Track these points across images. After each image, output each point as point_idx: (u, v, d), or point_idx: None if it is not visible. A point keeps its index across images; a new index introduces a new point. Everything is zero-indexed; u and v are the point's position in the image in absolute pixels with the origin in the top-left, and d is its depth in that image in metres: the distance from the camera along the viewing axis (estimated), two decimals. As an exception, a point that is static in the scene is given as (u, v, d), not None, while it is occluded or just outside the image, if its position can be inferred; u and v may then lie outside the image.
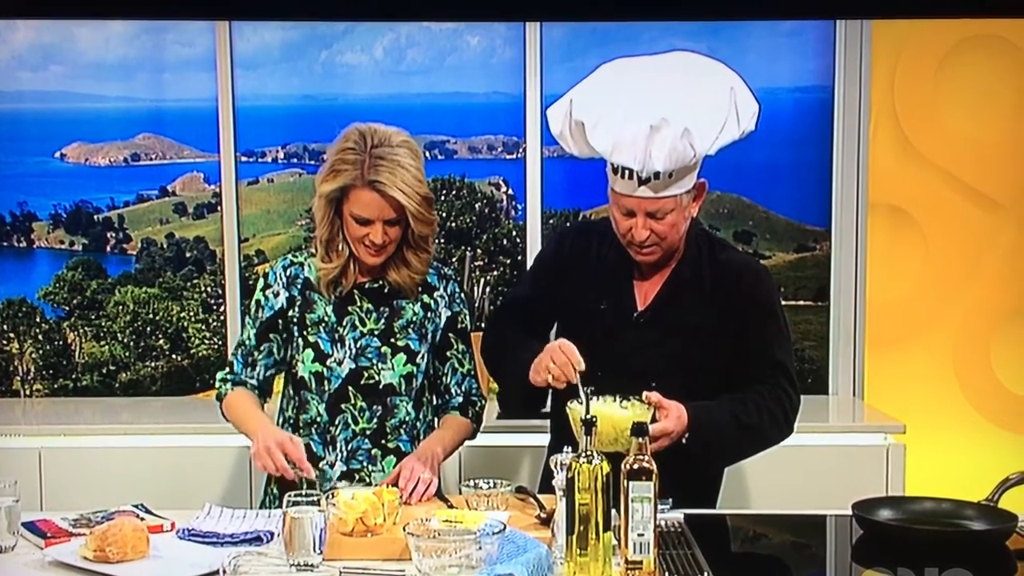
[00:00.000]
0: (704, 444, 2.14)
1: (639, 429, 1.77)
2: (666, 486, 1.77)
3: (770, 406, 2.23)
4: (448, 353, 2.38)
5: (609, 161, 2.16)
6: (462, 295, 2.42)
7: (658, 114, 2.08)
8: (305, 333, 2.31)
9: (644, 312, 2.26)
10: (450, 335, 2.37)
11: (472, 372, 2.40)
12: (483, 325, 3.37)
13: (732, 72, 2.24)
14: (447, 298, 2.37)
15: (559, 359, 2.08)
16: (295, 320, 2.32)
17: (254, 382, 2.33)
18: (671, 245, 2.23)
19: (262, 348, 2.33)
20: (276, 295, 2.33)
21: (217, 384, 2.35)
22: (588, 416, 1.78)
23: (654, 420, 2.07)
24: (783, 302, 3.57)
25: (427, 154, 3.55)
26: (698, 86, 2.17)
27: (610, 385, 2.09)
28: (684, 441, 2.11)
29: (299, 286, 2.33)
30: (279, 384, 2.40)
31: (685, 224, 2.23)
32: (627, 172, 2.13)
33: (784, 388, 2.25)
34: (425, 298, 2.35)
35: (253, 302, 2.35)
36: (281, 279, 2.34)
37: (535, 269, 2.46)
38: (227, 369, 2.35)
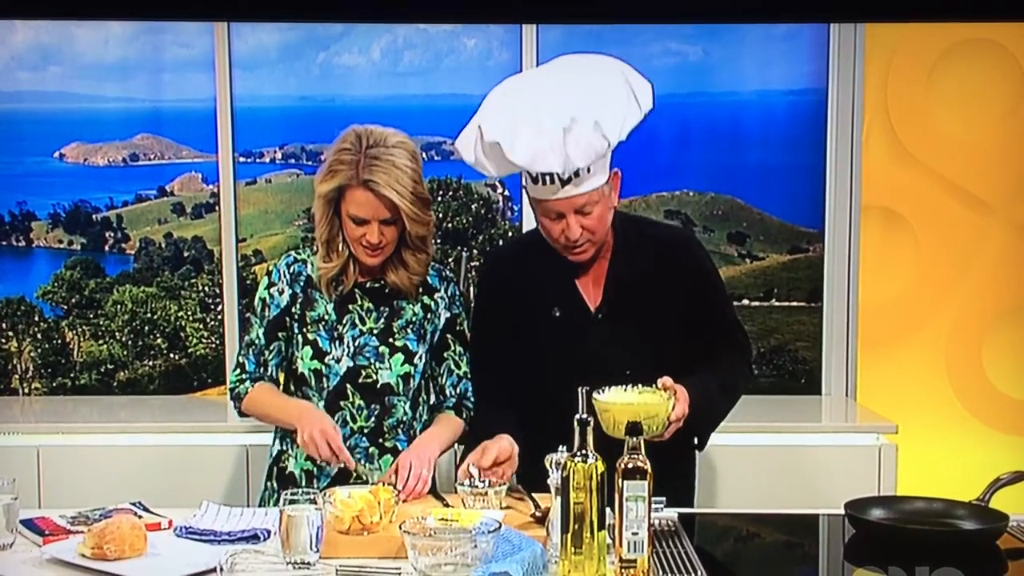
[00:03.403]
0: (700, 418, 2.20)
1: (634, 429, 1.79)
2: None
3: (739, 364, 2.38)
4: (445, 354, 2.39)
5: (529, 172, 2.19)
6: (462, 298, 2.44)
7: (567, 116, 2.14)
8: (305, 330, 2.33)
9: (600, 308, 2.31)
10: (448, 337, 2.39)
11: (468, 375, 2.41)
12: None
13: (618, 60, 2.29)
14: (447, 300, 2.39)
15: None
16: (297, 316, 2.34)
17: (271, 378, 2.35)
18: (600, 239, 2.28)
19: (272, 347, 2.34)
20: (281, 292, 2.34)
21: (232, 385, 2.35)
22: (582, 415, 1.80)
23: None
24: (776, 303, 3.64)
25: (424, 155, 3.53)
26: (593, 81, 2.23)
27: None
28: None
29: (301, 283, 2.34)
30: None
31: (610, 215, 2.28)
32: (547, 177, 2.18)
33: (741, 342, 2.40)
34: (426, 299, 2.37)
35: (258, 300, 2.36)
36: (285, 276, 2.35)
37: (481, 310, 2.43)
38: (239, 370, 2.35)
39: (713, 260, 2.49)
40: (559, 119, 2.13)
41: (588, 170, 2.18)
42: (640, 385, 2.12)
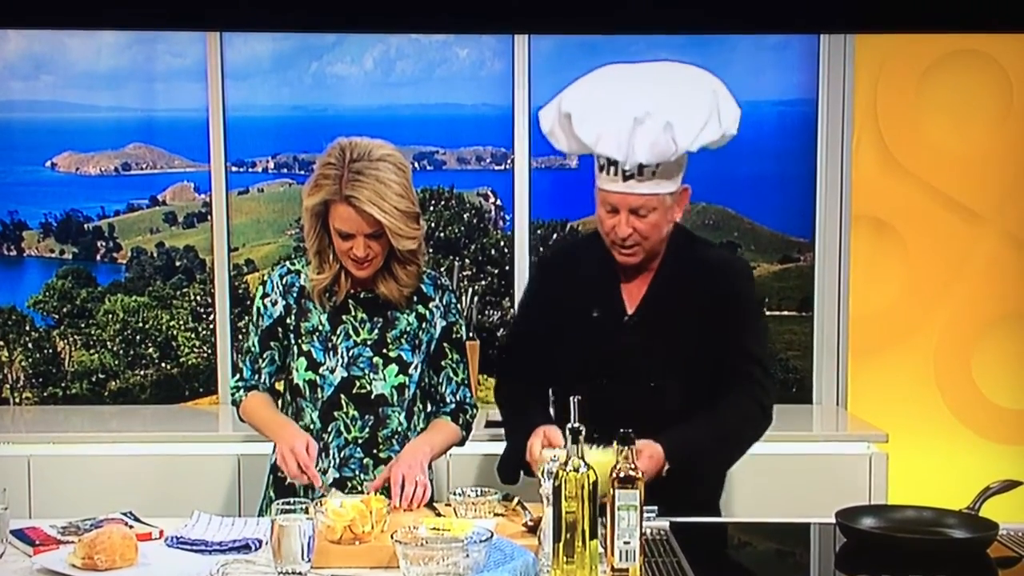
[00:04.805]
0: (687, 468, 2.19)
1: (625, 438, 1.80)
2: (667, 495, 1.81)
3: (743, 404, 2.29)
4: (443, 363, 2.40)
5: (595, 153, 2.22)
6: (458, 306, 2.45)
7: (642, 108, 2.15)
8: (300, 341, 2.33)
9: (633, 315, 2.32)
10: (445, 345, 2.39)
11: (466, 381, 2.42)
12: (472, 335, 3.39)
13: (717, 80, 2.31)
14: (443, 309, 2.39)
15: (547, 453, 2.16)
16: (292, 328, 2.34)
17: (264, 386, 2.38)
18: (653, 247, 2.28)
19: (265, 355, 2.36)
20: (274, 303, 2.35)
21: (231, 391, 2.40)
22: (574, 424, 1.80)
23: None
24: (767, 312, 3.64)
25: (416, 165, 3.57)
26: (683, 86, 2.26)
27: (613, 389, 2.15)
28: (664, 474, 2.16)
29: (295, 294, 2.35)
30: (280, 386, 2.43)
31: (668, 227, 2.28)
32: (612, 168, 2.19)
33: (758, 380, 2.30)
34: (420, 308, 2.37)
35: (254, 309, 2.38)
36: (278, 287, 2.36)
37: (526, 304, 2.51)
38: (237, 376, 2.39)
39: (761, 296, 2.44)
40: (633, 109, 2.15)
41: (653, 173, 2.19)
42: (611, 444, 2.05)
